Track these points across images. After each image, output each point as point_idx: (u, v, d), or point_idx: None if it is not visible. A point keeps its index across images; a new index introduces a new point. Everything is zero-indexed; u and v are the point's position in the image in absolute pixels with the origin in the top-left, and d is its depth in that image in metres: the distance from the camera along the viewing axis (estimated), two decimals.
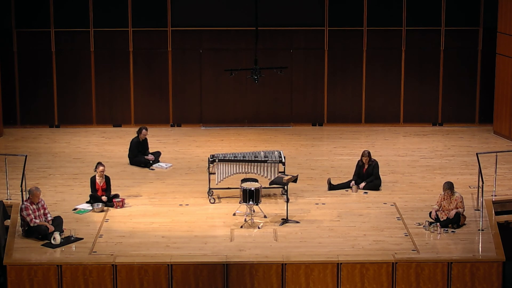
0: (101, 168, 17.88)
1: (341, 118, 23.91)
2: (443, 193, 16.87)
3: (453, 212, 16.59)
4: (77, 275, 15.17)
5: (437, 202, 16.94)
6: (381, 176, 18.92)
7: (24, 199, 16.85)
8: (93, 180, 17.88)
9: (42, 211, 16.29)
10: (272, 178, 17.64)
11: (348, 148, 21.82)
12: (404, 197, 18.33)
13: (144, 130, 20.48)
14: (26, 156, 18.38)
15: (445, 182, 16.93)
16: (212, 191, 18.15)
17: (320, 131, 23.56)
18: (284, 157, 18.22)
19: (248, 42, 22.84)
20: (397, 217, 17.21)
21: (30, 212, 16.09)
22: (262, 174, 18.01)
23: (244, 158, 18.00)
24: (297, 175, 17.53)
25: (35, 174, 19.64)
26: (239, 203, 17.19)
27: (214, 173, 18.12)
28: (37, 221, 16.07)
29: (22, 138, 22.67)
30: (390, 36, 23.55)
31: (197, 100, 23.82)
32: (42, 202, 16.39)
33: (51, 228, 16.07)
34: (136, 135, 20.51)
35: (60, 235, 15.94)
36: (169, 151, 21.45)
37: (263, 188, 17.61)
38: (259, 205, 17.10)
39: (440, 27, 23.44)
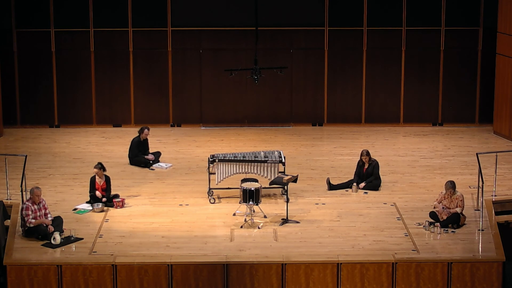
0: (94, 170, 17.88)
1: (341, 118, 23.91)
2: (444, 191, 16.86)
3: (452, 211, 16.60)
4: (77, 275, 15.17)
5: (437, 199, 16.94)
6: (381, 176, 18.92)
7: (25, 199, 16.84)
8: (93, 180, 17.89)
9: (43, 211, 16.29)
10: (272, 178, 17.64)
11: (348, 148, 21.82)
12: (404, 197, 18.33)
13: (146, 130, 20.47)
14: (26, 156, 18.37)
15: (448, 181, 16.89)
16: (212, 191, 18.15)
17: (320, 131, 23.56)
18: (284, 157, 18.21)
19: (248, 42, 22.84)
20: (397, 217, 17.21)
21: (30, 212, 16.06)
22: (262, 174, 18.01)
23: (244, 158, 18.00)
24: (297, 175, 17.53)
25: (35, 174, 19.63)
26: (239, 203, 17.18)
27: (214, 173, 18.11)
28: (33, 221, 16.03)
29: (22, 138, 22.67)
30: (390, 36, 23.55)
31: (197, 100, 23.82)
32: (43, 202, 16.39)
33: (51, 228, 16.04)
34: (137, 134, 20.51)
35: (60, 235, 15.94)
36: (169, 151, 21.45)
37: (263, 188, 17.60)
38: (259, 205, 17.10)
39: (440, 27, 23.45)
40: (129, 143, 20.58)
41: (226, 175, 18.07)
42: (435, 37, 23.52)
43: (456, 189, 16.89)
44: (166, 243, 15.99)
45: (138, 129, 20.74)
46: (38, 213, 16.17)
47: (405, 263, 15.32)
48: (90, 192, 17.82)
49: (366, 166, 18.86)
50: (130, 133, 22.21)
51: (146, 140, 20.59)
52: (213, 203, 17.98)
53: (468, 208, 17.31)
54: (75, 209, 17.57)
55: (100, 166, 17.92)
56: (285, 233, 16.44)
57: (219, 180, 18.12)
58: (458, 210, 16.64)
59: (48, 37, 23.23)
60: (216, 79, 23.60)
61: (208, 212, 17.54)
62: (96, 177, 17.87)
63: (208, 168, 18.22)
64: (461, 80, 23.78)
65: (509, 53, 22.17)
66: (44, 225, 16.10)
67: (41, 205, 16.26)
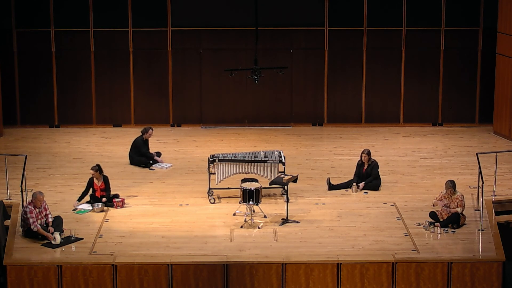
0: (91, 172, 17.86)
1: (341, 118, 23.91)
2: (444, 191, 16.86)
3: (453, 211, 16.61)
4: (77, 275, 15.18)
5: (437, 198, 16.94)
6: (381, 176, 18.91)
7: (25, 199, 16.85)
8: (91, 180, 17.87)
9: (44, 212, 16.29)
10: (272, 178, 17.64)
11: (348, 148, 21.82)
12: (404, 197, 18.33)
13: (150, 130, 20.45)
14: (26, 156, 18.36)
15: (448, 181, 16.88)
16: (212, 191, 18.15)
17: (320, 131, 23.56)
18: (284, 157, 18.21)
19: (248, 42, 22.84)
20: (397, 217, 17.21)
21: (34, 215, 16.04)
22: (262, 174, 18.00)
23: (244, 158, 18.00)
24: (297, 175, 17.53)
25: (35, 174, 19.63)
26: (239, 203, 17.18)
27: (214, 173, 18.12)
28: (39, 226, 16.02)
29: (22, 138, 22.67)
30: (390, 36, 23.55)
31: (197, 100, 23.82)
32: (44, 203, 16.37)
33: (51, 229, 16.01)
34: (138, 134, 20.48)
35: (60, 235, 15.95)
36: (169, 151, 21.45)
37: (263, 188, 17.60)
38: (259, 205, 17.10)
39: (440, 27, 23.45)
40: (129, 143, 20.57)
41: (226, 175, 18.07)
42: (435, 37, 23.52)
43: (456, 189, 16.89)
44: (166, 243, 15.99)
45: (138, 129, 20.75)
46: (39, 216, 16.16)
47: (405, 263, 15.32)
48: (85, 191, 17.76)
49: (365, 167, 18.86)
50: (130, 133, 22.21)
51: (147, 140, 20.58)
52: (213, 203, 17.98)
53: (468, 208, 17.31)
54: (75, 209, 17.57)
55: (97, 168, 17.86)
56: (285, 233, 16.44)
57: (219, 180, 18.12)
58: (458, 210, 16.64)
59: (48, 37, 23.23)
60: (216, 79, 23.60)
61: (208, 212, 17.54)
62: (94, 178, 17.86)
63: (208, 168, 18.22)
64: (461, 80, 23.78)
65: (509, 53, 22.17)
66: (44, 224, 16.14)
67: (42, 208, 16.26)
